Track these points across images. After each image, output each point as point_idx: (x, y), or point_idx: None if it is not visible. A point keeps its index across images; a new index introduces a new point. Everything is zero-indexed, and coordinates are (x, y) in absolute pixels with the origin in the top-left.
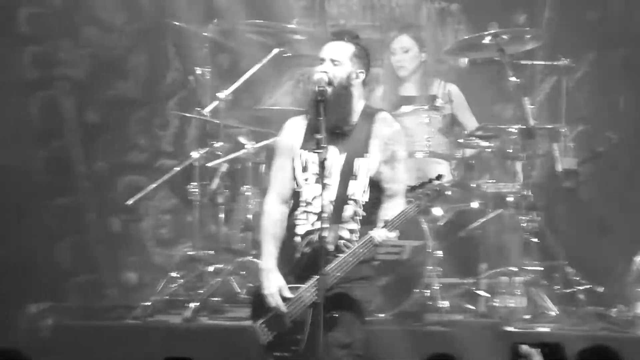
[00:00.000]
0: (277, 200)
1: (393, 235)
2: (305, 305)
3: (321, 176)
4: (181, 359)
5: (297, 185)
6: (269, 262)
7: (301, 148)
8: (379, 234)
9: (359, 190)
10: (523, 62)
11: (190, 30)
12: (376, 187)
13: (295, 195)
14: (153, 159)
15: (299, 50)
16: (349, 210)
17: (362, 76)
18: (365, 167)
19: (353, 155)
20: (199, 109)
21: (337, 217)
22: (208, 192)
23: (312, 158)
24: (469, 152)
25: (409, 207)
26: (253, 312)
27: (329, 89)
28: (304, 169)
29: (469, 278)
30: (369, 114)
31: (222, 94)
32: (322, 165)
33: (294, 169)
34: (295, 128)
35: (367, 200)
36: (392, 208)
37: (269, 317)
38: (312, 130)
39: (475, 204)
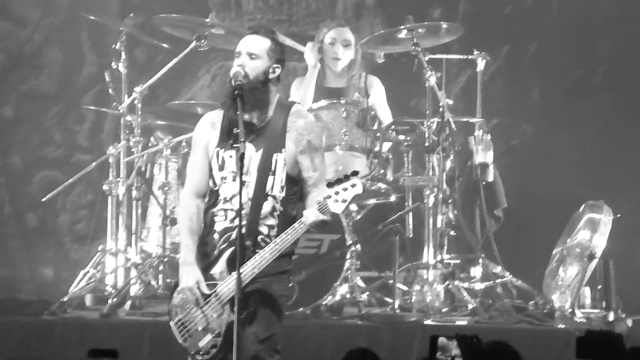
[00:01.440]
0: (193, 194)
1: (325, 217)
2: (222, 301)
3: (239, 171)
4: (106, 350)
5: (215, 184)
6: (187, 255)
7: (217, 146)
8: (312, 215)
9: (277, 185)
10: (438, 56)
11: (105, 24)
12: (294, 181)
13: (213, 193)
14: (69, 154)
15: (215, 45)
16: (267, 206)
17: (278, 71)
18: (282, 162)
19: (270, 150)
20: (115, 103)
21: (255, 213)
22: (125, 187)
23: (229, 156)
24: (386, 145)
25: (327, 201)
26: (171, 308)
27: (246, 83)
28: (221, 167)
29: (387, 271)
30: (283, 108)
31: (138, 89)
32: (241, 159)
33: (210, 166)
34: (210, 124)
35: (284, 195)
36: (320, 196)
37: (184, 315)
38: (228, 125)
39: (392, 198)
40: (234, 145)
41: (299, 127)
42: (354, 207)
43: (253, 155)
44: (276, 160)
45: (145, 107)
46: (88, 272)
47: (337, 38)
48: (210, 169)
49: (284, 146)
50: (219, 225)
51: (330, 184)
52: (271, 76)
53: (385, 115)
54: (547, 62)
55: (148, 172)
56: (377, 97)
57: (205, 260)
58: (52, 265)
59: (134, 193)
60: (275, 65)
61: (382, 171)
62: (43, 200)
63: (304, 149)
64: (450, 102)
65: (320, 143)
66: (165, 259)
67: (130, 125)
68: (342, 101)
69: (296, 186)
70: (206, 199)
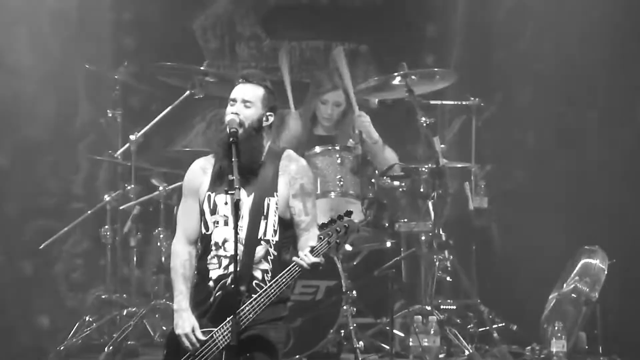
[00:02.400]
0: (184, 241)
1: (318, 260)
2: (218, 348)
3: (235, 218)
4: None
5: (207, 229)
6: (181, 302)
7: (209, 190)
8: (305, 257)
9: (269, 230)
10: (432, 102)
11: (100, 72)
12: (287, 225)
13: (205, 238)
14: (64, 202)
15: (210, 92)
16: (260, 250)
17: (271, 118)
18: (274, 206)
19: (262, 194)
20: (110, 151)
21: (249, 258)
22: (120, 235)
23: (221, 200)
24: (381, 191)
25: (319, 244)
26: (166, 355)
27: (241, 131)
28: (213, 211)
29: (383, 318)
30: (275, 154)
31: (133, 136)
32: (236, 206)
33: (202, 212)
34: (201, 169)
35: (278, 239)
36: (312, 239)
37: None
38: (220, 171)
39: (388, 244)
40: (229, 192)
41: (291, 171)
42: (348, 247)
43: (245, 199)
44: (268, 204)
45: (141, 154)
46: (84, 320)
47: (330, 100)
48: (202, 214)
49: (276, 190)
50: (214, 273)
51: (323, 226)
52: (264, 124)
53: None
54: (541, 107)
55: (144, 220)
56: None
57: (200, 307)
58: (48, 313)
59: (130, 241)
60: (268, 113)
61: (377, 217)
62: (40, 248)
63: (296, 193)
64: (444, 147)
65: (313, 187)
66: (161, 307)
67: (126, 172)
68: (337, 147)
69: (289, 230)
70: (198, 245)
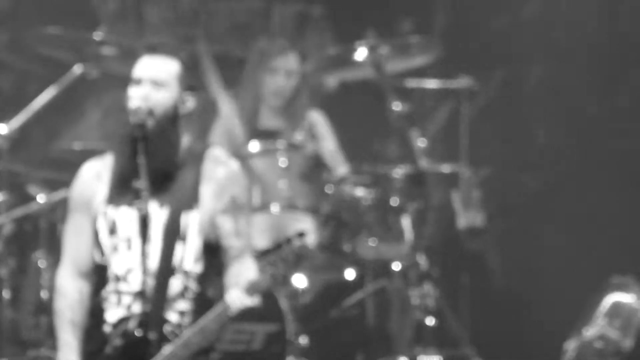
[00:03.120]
0: (74, 274)
1: (253, 301)
2: None
3: (143, 238)
4: None
5: (102, 254)
6: (67, 356)
7: (105, 203)
8: (237, 299)
9: (189, 256)
10: (409, 83)
11: None
12: (213, 250)
13: (101, 268)
14: None
15: (107, 69)
16: (176, 284)
17: (191, 104)
18: (196, 224)
19: (178, 208)
20: None
21: (160, 295)
22: None
23: (122, 216)
24: (339, 204)
25: (261, 277)
26: None
27: (150, 121)
28: (112, 232)
29: None
30: (196, 153)
31: (3, 128)
32: (143, 223)
33: (96, 232)
34: (94, 175)
35: (201, 270)
36: (243, 272)
37: None
38: (121, 176)
39: (349, 274)
40: (136, 205)
41: (218, 177)
42: (300, 283)
43: (156, 214)
44: (187, 222)
45: (14, 153)
46: None
47: (280, 67)
48: (95, 235)
49: (197, 202)
50: (111, 315)
51: (264, 253)
52: (182, 111)
53: (339, 163)
54: (554, 91)
55: (18, 242)
56: (323, 139)
57: None
58: None
59: (0, 270)
60: (186, 97)
61: (334, 238)
62: None
63: (226, 207)
64: (425, 144)
65: (247, 200)
66: (42, 359)
67: None
68: (281, 145)
69: (216, 258)
70: (91, 279)
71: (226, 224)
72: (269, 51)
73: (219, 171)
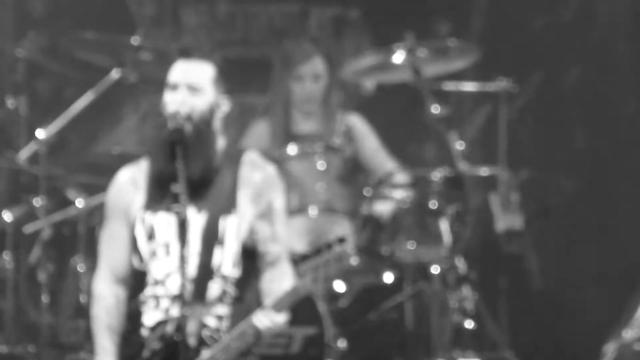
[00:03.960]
0: (110, 279)
1: (282, 319)
2: None
3: (182, 243)
4: None
5: (141, 260)
6: None
7: (143, 209)
8: (263, 318)
9: (227, 260)
10: (447, 86)
11: None
12: (251, 254)
13: (139, 274)
14: None
15: (145, 74)
16: (215, 289)
17: (226, 107)
18: (233, 229)
19: (216, 213)
20: (10, 153)
21: (199, 299)
22: (25, 267)
23: (160, 222)
24: (378, 207)
25: (302, 281)
26: None
27: (188, 126)
28: (150, 237)
29: None
30: (233, 157)
31: (42, 133)
32: (182, 228)
33: (134, 238)
34: (130, 181)
35: (239, 274)
36: (277, 280)
37: None
38: (158, 181)
39: (388, 277)
40: (175, 210)
41: (255, 181)
42: (339, 288)
43: (194, 219)
44: (225, 226)
45: (53, 157)
46: None
47: (305, 74)
48: (134, 242)
49: (235, 207)
50: (149, 318)
51: (304, 258)
52: (218, 115)
53: (378, 165)
54: (592, 93)
55: (57, 247)
56: (365, 141)
57: None
58: None
59: (38, 275)
60: (220, 100)
61: (372, 241)
62: None
63: (264, 213)
64: (464, 147)
65: (284, 205)
66: None
67: (32, 182)
68: (319, 148)
69: (255, 262)
70: (127, 284)
71: (263, 229)
72: (294, 57)
73: (256, 176)
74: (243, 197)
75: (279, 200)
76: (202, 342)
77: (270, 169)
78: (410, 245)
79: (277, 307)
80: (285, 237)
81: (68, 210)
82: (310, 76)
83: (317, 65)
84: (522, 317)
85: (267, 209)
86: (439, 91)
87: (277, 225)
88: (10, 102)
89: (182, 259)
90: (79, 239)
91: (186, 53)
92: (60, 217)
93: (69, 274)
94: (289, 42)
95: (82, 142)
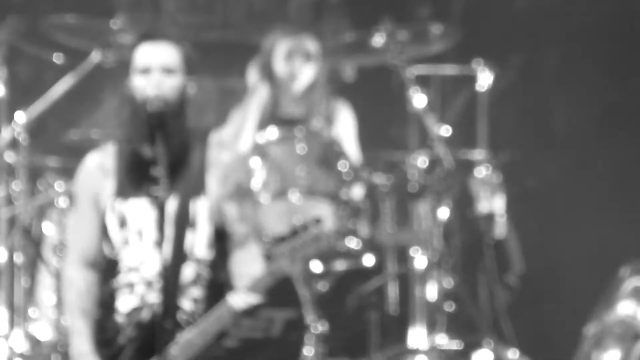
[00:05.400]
0: (80, 263)
1: (257, 300)
2: None
3: (160, 228)
4: None
5: (113, 247)
6: (81, 343)
7: (114, 195)
8: (239, 300)
9: (200, 243)
10: (428, 69)
11: None
12: (223, 236)
13: (110, 261)
14: None
15: (124, 57)
16: (188, 272)
17: (193, 89)
18: (205, 211)
19: (187, 196)
20: None
21: (173, 283)
22: (5, 251)
23: (132, 209)
24: (357, 190)
25: (279, 263)
26: None
27: (166, 109)
28: (122, 225)
29: (361, 359)
30: (200, 139)
31: (20, 116)
32: (161, 212)
33: (104, 226)
34: (98, 167)
35: (213, 256)
36: (247, 261)
37: None
38: (131, 167)
39: (368, 260)
40: (153, 193)
41: (222, 163)
42: (316, 269)
43: (167, 202)
44: (195, 209)
45: (32, 141)
46: None
47: (295, 50)
48: (104, 230)
49: (204, 189)
50: (124, 304)
51: (280, 239)
52: (188, 96)
53: (356, 152)
54: (575, 76)
55: (36, 230)
56: (345, 126)
57: (107, 350)
58: None
59: (18, 258)
60: (189, 81)
61: (352, 225)
62: None
63: (230, 193)
64: (444, 131)
65: (250, 185)
66: (61, 347)
67: (11, 166)
68: (299, 133)
69: (226, 242)
70: (98, 268)
71: (231, 210)
72: (282, 37)
73: (223, 157)
74: (212, 179)
75: (246, 182)
76: (177, 325)
77: (237, 150)
78: (391, 229)
79: (254, 288)
80: (254, 218)
81: (47, 195)
82: (300, 53)
83: (307, 43)
84: (502, 300)
85: (235, 189)
86: (418, 74)
87: (245, 206)
88: None
89: (159, 244)
90: (58, 224)
91: (150, 36)
92: (39, 202)
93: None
94: (277, 27)
95: (61, 126)
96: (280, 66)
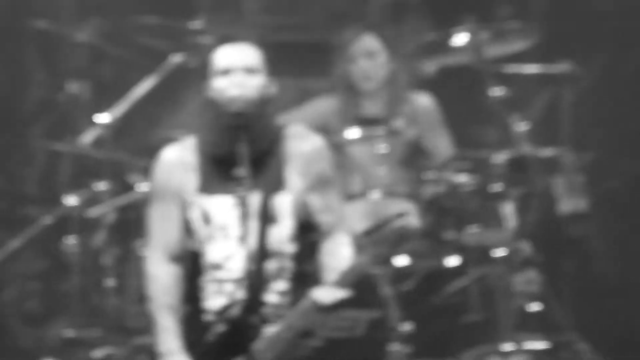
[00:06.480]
0: (165, 258)
1: (342, 295)
2: None
3: (244, 225)
4: None
5: (197, 243)
6: (170, 342)
7: (198, 192)
8: (325, 294)
9: (283, 237)
10: (509, 68)
11: (59, 32)
12: (308, 228)
13: (196, 258)
14: (12, 207)
15: (205, 58)
16: (273, 266)
17: (274, 88)
18: (286, 204)
19: (269, 191)
20: (73, 138)
21: (258, 278)
22: (90, 251)
23: (216, 204)
24: (441, 191)
25: (363, 258)
26: None
27: (250, 109)
28: (206, 221)
29: None
30: (276, 130)
31: (104, 117)
32: (244, 209)
33: (187, 221)
34: (180, 164)
35: (296, 249)
36: (334, 252)
37: None
38: (213, 165)
39: (452, 261)
40: (237, 191)
41: (303, 154)
42: (403, 261)
43: (250, 200)
44: (278, 203)
45: (115, 141)
46: None
47: (357, 52)
48: (188, 225)
49: (286, 182)
50: (212, 303)
51: (364, 234)
52: (269, 96)
53: (444, 148)
54: None
55: (121, 230)
56: (430, 123)
57: (195, 350)
58: None
59: (103, 258)
60: (270, 81)
61: (436, 225)
62: None
63: (314, 184)
64: (526, 129)
65: (335, 175)
66: (147, 347)
67: (96, 166)
68: (381, 132)
69: (311, 234)
70: (182, 263)
71: (315, 201)
72: (344, 39)
73: (303, 147)
74: (293, 171)
75: (328, 171)
76: (264, 320)
77: (317, 139)
78: (474, 229)
79: (339, 284)
80: (340, 206)
81: (131, 194)
82: (362, 54)
83: (367, 41)
84: (587, 299)
85: (317, 180)
86: (500, 73)
87: (329, 195)
88: (72, 87)
89: (244, 241)
90: (142, 223)
91: (229, 39)
92: (124, 201)
93: (134, 257)
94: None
95: (144, 126)
96: (349, 67)
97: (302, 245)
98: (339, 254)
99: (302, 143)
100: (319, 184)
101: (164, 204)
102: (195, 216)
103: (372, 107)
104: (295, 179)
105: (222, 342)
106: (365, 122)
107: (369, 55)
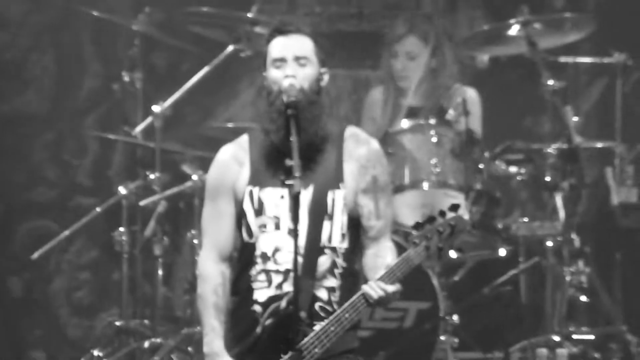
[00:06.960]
0: (216, 258)
1: (393, 289)
2: None
3: (295, 217)
4: None
5: (251, 234)
6: (213, 342)
7: (250, 184)
8: (374, 288)
9: (336, 234)
10: (563, 59)
11: (113, 22)
12: (357, 227)
13: (248, 248)
14: (65, 196)
15: (260, 48)
16: (325, 261)
17: (327, 77)
18: (340, 202)
19: (324, 186)
20: (126, 128)
21: (309, 272)
22: (141, 241)
23: (269, 196)
24: (492, 181)
25: (414, 250)
26: None
27: (303, 99)
28: (258, 212)
29: (495, 352)
30: (335, 130)
31: (158, 108)
32: (296, 202)
33: (242, 213)
34: (234, 159)
35: (347, 246)
36: (382, 254)
37: None
38: (267, 157)
39: (502, 252)
40: (287, 183)
41: (360, 156)
42: (454, 254)
43: (302, 194)
44: (333, 200)
45: (168, 132)
46: (92, 355)
47: (399, 51)
48: (242, 217)
49: (342, 181)
50: (261, 294)
51: (418, 225)
52: (322, 86)
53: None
54: None
55: (172, 220)
56: (474, 115)
57: (243, 341)
58: (44, 346)
59: (154, 248)
60: (323, 71)
61: (487, 216)
62: (32, 258)
63: (368, 187)
64: (579, 120)
65: (387, 180)
66: (196, 337)
67: (148, 157)
68: (432, 122)
69: (360, 234)
70: (232, 262)
71: (367, 204)
72: (390, 37)
73: (360, 150)
74: (348, 171)
75: (382, 176)
76: (313, 315)
77: (374, 144)
78: (525, 220)
79: (389, 278)
80: (389, 213)
81: (184, 185)
82: (403, 54)
83: (408, 44)
84: (636, 291)
85: (372, 184)
86: (554, 64)
87: (381, 201)
88: (126, 77)
89: (295, 233)
90: (194, 213)
91: (283, 29)
92: (176, 191)
93: (185, 248)
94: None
95: (198, 117)
96: (392, 62)
97: (352, 244)
98: (386, 258)
99: (360, 145)
100: (373, 187)
101: (219, 201)
102: (248, 207)
103: (414, 98)
104: (350, 178)
105: (269, 336)
106: (410, 111)
107: (409, 57)
